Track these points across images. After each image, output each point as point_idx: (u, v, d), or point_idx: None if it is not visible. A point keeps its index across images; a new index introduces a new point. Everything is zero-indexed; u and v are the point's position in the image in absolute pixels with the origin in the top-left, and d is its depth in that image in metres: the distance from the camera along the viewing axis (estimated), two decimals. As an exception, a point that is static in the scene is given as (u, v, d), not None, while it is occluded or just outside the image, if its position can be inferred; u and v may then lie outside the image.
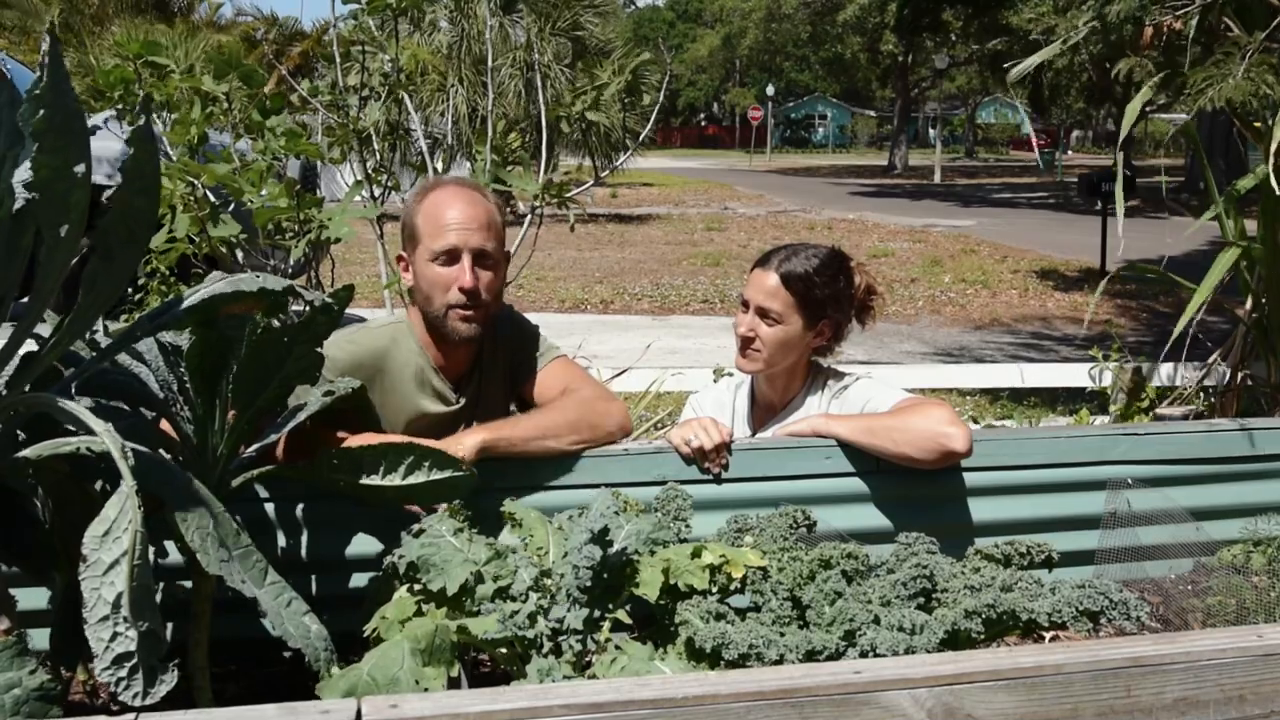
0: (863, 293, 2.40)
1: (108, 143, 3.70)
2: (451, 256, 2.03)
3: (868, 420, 2.13)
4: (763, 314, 2.30)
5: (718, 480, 2.03)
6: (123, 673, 1.17)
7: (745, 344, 2.33)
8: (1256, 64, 3.14)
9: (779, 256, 2.33)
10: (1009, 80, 3.96)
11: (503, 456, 1.91)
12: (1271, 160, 3.19)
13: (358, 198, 3.45)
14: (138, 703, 1.17)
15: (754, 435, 2.40)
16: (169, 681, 1.19)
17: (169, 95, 3.19)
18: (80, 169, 1.19)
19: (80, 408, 1.26)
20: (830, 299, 2.33)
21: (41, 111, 1.13)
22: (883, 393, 2.25)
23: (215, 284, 1.45)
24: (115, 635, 1.16)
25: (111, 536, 1.18)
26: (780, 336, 2.30)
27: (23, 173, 1.18)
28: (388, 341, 2.12)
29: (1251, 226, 3.74)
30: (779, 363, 2.33)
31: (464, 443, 1.86)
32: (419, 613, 1.49)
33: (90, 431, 1.23)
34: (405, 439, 1.79)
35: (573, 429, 1.99)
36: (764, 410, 2.43)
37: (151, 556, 1.30)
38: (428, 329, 2.12)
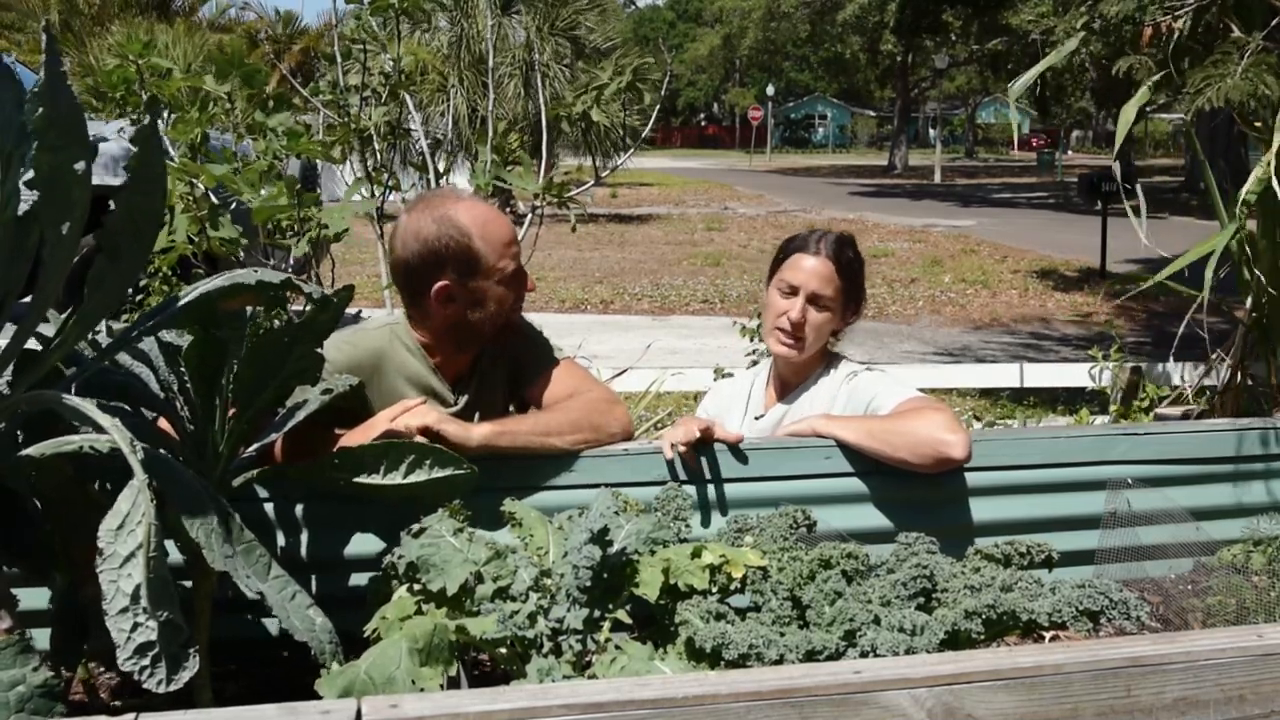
0: None
1: (106, 144, 3.70)
2: (520, 272, 2.12)
3: (867, 423, 2.12)
4: (814, 299, 2.30)
5: (718, 480, 2.03)
6: (145, 661, 1.18)
7: (796, 329, 2.30)
8: (1255, 64, 3.14)
9: (823, 242, 2.33)
10: (1011, 95, 3.96)
11: (506, 452, 1.91)
12: (1273, 160, 3.19)
13: (356, 196, 3.45)
14: (162, 689, 1.18)
15: (768, 410, 2.43)
16: (191, 668, 1.20)
17: (170, 95, 3.19)
18: (81, 166, 1.19)
19: (87, 404, 1.26)
20: (861, 283, 2.39)
21: (40, 109, 1.13)
22: (889, 389, 2.24)
23: (213, 280, 1.45)
24: (136, 625, 1.17)
25: (126, 530, 1.19)
26: (828, 320, 2.32)
27: (27, 173, 1.18)
28: (385, 342, 2.12)
29: (1251, 226, 3.74)
30: (818, 346, 2.35)
31: (473, 431, 1.88)
32: (419, 612, 1.49)
33: (97, 428, 1.23)
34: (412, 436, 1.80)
35: (576, 429, 1.99)
36: (780, 387, 2.45)
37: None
38: (445, 340, 2.11)
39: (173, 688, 1.18)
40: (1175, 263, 3.40)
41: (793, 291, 2.31)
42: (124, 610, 1.17)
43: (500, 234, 2.08)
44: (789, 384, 2.42)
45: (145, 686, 1.17)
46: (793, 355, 2.34)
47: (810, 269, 2.30)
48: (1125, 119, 3.51)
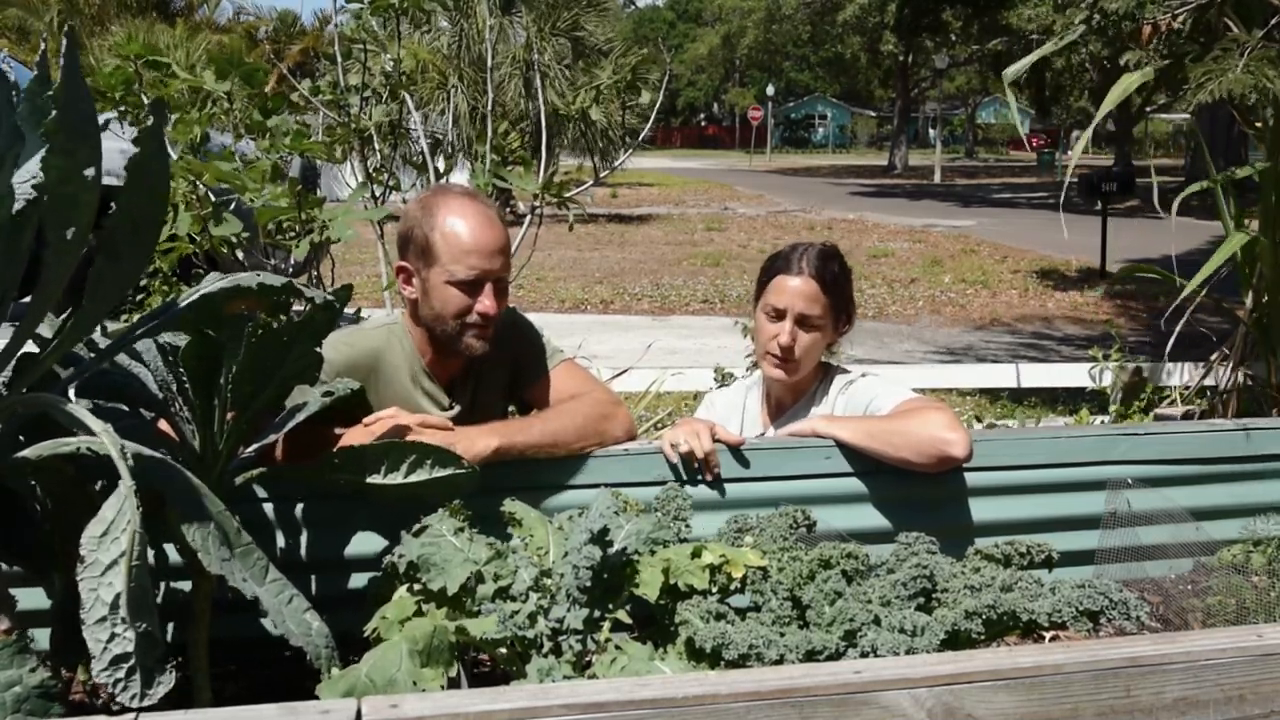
0: None
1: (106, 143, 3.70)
2: (475, 284, 2.04)
3: (868, 424, 2.12)
4: (802, 321, 2.27)
5: (717, 480, 2.03)
6: (120, 674, 1.16)
7: (786, 354, 2.28)
8: (1256, 59, 3.14)
9: (804, 260, 2.29)
10: (1005, 81, 3.98)
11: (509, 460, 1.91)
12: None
13: (359, 201, 3.45)
14: (135, 704, 1.16)
15: (765, 433, 2.40)
16: (166, 683, 1.19)
17: (170, 95, 3.19)
18: (90, 172, 1.19)
19: (80, 408, 1.26)
20: (850, 294, 2.35)
21: (54, 111, 1.12)
22: (887, 391, 2.24)
23: (214, 283, 1.45)
24: (113, 636, 1.16)
25: (109, 537, 1.18)
26: (819, 340, 2.30)
27: (24, 173, 1.17)
28: (382, 342, 2.12)
29: (1252, 225, 3.74)
30: (811, 365, 2.33)
31: (476, 445, 1.85)
32: (419, 613, 1.49)
33: (90, 432, 1.23)
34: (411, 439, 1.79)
35: (580, 436, 1.99)
36: (775, 408, 2.43)
37: (151, 557, 1.29)
38: (429, 338, 2.11)
39: (146, 703, 1.16)
40: (1203, 270, 3.41)
41: (780, 315, 2.28)
42: (101, 620, 1.15)
43: (467, 238, 2.03)
44: (784, 403, 2.40)
45: (119, 700, 1.15)
46: (787, 378, 2.32)
47: (795, 290, 2.27)
48: (1111, 97, 3.52)
